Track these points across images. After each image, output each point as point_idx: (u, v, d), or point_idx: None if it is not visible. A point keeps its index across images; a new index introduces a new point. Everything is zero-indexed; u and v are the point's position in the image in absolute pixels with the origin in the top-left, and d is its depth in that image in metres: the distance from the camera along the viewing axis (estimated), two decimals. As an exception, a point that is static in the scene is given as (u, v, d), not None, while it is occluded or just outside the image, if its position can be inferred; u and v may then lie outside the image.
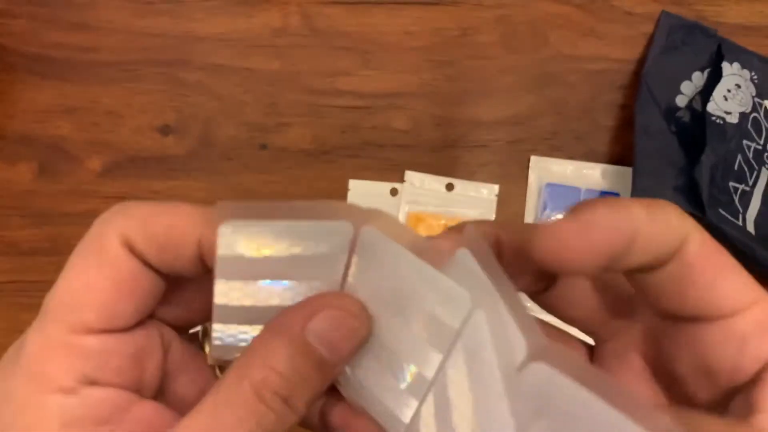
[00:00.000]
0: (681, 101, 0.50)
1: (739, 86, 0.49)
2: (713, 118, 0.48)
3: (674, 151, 0.49)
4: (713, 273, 0.17)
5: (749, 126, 0.49)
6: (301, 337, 0.18)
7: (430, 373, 0.18)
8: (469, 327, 0.17)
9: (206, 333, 0.21)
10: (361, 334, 0.18)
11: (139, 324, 0.19)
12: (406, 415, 0.19)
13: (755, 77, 0.50)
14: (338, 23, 0.52)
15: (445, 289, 0.17)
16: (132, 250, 0.18)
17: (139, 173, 0.52)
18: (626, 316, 0.20)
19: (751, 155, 0.49)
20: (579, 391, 0.15)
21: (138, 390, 0.19)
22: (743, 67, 0.50)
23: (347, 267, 0.20)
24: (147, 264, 0.18)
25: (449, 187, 0.51)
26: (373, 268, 0.19)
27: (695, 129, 0.48)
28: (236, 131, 0.52)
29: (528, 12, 0.51)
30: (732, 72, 0.49)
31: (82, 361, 0.17)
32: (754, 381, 0.17)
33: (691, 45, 0.50)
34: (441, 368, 0.18)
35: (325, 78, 0.52)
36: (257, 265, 0.19)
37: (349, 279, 0.20)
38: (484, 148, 0.51)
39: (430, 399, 0.18)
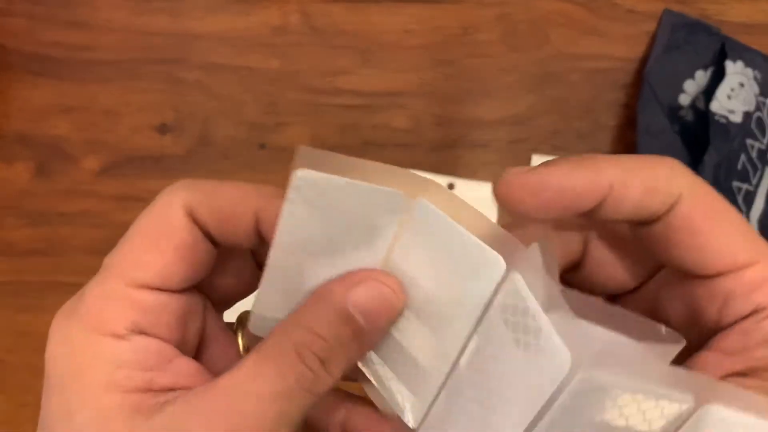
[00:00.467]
0: (684, 100, 0.49)
1: (742, 85, 0.49)
2: (716, 117, 0.47)
3: (677, 151, 0.48)
4: (708, 230, 0.18)
5: (753, 125, 0.49)
6: (342, 305, 0.19)
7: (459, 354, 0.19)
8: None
9: (242, 323, 0.23)
10: (398, 308, 0.20)
11: (189, 289, 0.21)
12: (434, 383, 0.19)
13: (759, 76, 0.50)
14: (338, 21, 0.51)
15: (501, 277, 0.18)
16: (195, 220, 0.20)
17: (137, 173, 0.51)
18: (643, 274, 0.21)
19: (754, 155, 0.48)
20: None
21: (180, 347, 0.20)
22: (747, 65, 0.49)
23: (395, 239, 0.20)
24: (206, 234, 0.20)
25: (450, 186, 0.50)
26: (423, 244, 0.19)
27: (698, 128, 0.48)
28: (235, 130, 0.52)
29: (529, 10, 0.51)
30: (735, 71, 0.49)
31: (136, 312, 0.19)
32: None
33: (694, 43, 0.50)
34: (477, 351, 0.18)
35: (325, 77, 0.51)
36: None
37: (396, 251, 0.20)
38: (485, 147, 0.51)
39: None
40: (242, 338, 0.22)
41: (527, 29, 0.51)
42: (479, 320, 0.18)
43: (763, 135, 0.49)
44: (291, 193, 0.19)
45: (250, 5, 0.52)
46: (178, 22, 0.52)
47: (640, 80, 0.50)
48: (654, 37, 0.50)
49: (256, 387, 0.18)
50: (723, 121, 0.47)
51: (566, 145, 0.51)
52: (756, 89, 0.49)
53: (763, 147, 0.49)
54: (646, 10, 0.51)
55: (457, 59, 0.51)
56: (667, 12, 0.50)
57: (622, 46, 0.51)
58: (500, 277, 0.18)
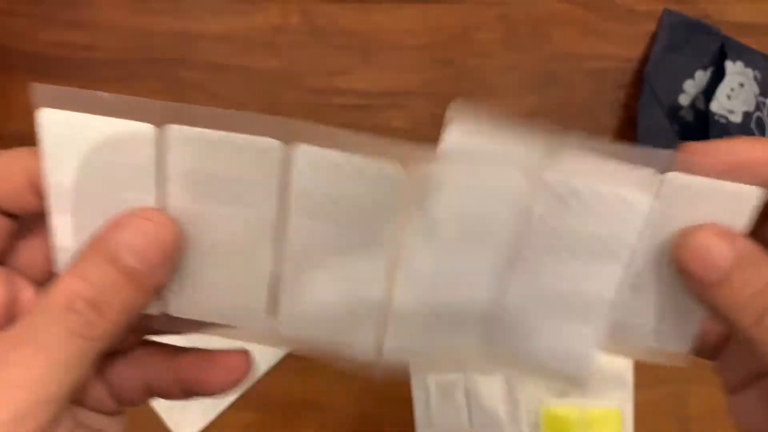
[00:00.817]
0: (684, 100, 0.49)
1: (742, 85, 0.49)
2: (716, 117, 0.47)
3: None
4: None
5: (752, 125, 0.49)
6: (108, 248, 0.19)
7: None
8: None
9: None
10: (168, 243, 0.19)
11: None
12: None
13: (758, 76, 0.50)
14: (338, 21, 0.52)
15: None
16: None
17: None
18: None
19: (754, 154, 0.48)
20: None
21: None
22: (747, 65, 0.50)
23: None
24: None
25: (450, 186, 0.50)
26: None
27: (698, 128, 0.48)
28: (235, 130, 0.52)
29: (530, 10, 0.51)
30: (735, 71, 0.49)
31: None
32: None
33: (694, 43, 0.50)
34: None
35: (325, 76, 0.52)
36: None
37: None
38: (485, 147, 0.51)
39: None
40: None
41: (528, 29, 0.51)
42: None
43: (763, 135, 0.49)
44: (40, 133, 0.20)
45: (250, 5, 0.52)
46: (178, 22, 0.52)
47: (640, 80, 0.50)
48: (654, 37, 0.50)
49: (26, 342, 0.18)
50: (723, 121, 0.47)
51: (566, 145, 0.51)
52: (756, 89, 0.50)
53: (763, 147, 0.49)
54: (647, 10, 0.51)
55: (458, 59, 0.51)
56: (667, 12, 0.50)
57: (622, 46, 0.51)
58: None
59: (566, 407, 0.50)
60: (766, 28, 0.51)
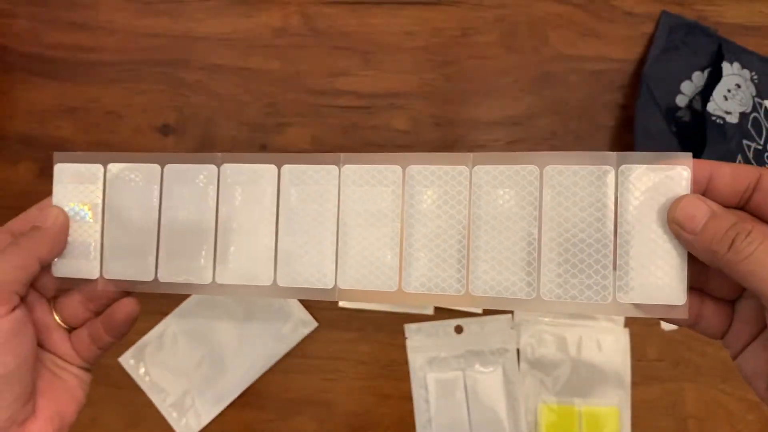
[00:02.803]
0: (681, 101, 0.50)
1: (739, 86, 0.49)
2: (713, 118, 0.48)
3: (674, 151, 0.49)
4: None
5: (749, 126, 0.49)
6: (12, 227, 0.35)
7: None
8: None
9: (55, 298, 0.35)
10: (53, 215, 0.34)
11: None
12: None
13: (755, 77, 0.50)
14: (338, 23, 0.52)
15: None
16: (11, 231, 0.34)
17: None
18: None
19: (751, 155, 0.49)
20: None
21: None
22: (743, 67, 0.50)
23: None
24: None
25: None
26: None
27: (695, 129, 0.48)
28: (236, 131, 0.52)
29: (528, 12, 0.51)
30: (732, 72, 0.49)
31: None
32: None
33: (692, 45, 0.50)
34: None
35: (325, 78, 0.52)
36: None
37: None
38: (483, 147, 0.51)
39: None
40: (54, 309, 0.35)
41: (526, 31, 0.51)
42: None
43: (760, 136, 0.49)
44: (55, 177, 0.35)
45: (251, 7, 0.52)
46: (179, 24, 0.52)
47: (637, 81, 0.50)
48: (652, 39, 0.51)
49: None
50: (720, 122, 0.48)
51: (564, 146, 0.51)
52: (753, 90, 0.50)
53: (760, 147, 0.49)
54: (644, 12, 0.51)
55: (457, 61, 0.51)
56: (664, 14, 0.51)
57: (620, 47, 0.51)
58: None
59: (564, 405, 0.50)
60: (762, 30, 0.51)
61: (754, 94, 0.50)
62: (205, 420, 0.52)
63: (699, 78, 0.50)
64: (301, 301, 0.52)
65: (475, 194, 0.30)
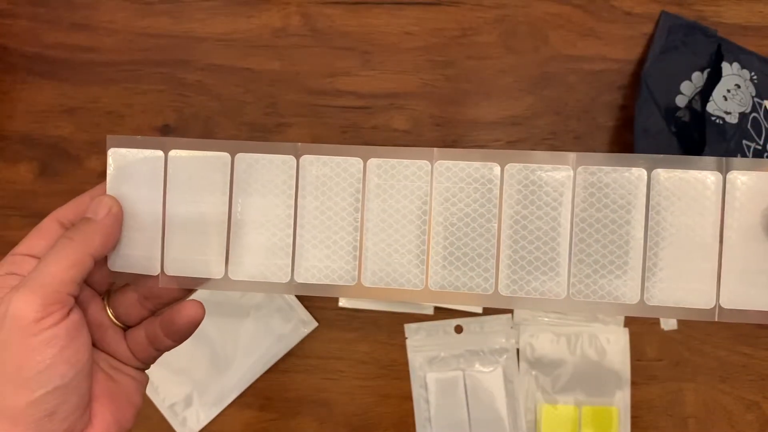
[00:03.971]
0: (681, 101, 0.50)
1: (738, 86, 0.49)
2: (713, 118, 0.48)
3: (674, 151, 0.49)
4: None
5: (749, 126, 0.49)
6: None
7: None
8: None
9: (108, 294, 0.34)
10: (107, 204, 0.31)
11: None
12: None
13: (755, 77, 0.50)
14: (338, 23, 0.52)
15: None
16: (61, 223, 0.32)
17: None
18: None
19: (750, 155, 0.49)
20: None
21: None
22: (743, 67, 0.50)
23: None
24: (72, 225, 0.32)
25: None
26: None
27: (695, 129, 0.48)
28: (236, 131, 0.52)
29: (527, 12, 0.51)
30: (732, 72, 0.49)
31: (9, 265, 0.30)
32: None
33: (691, 45, 0.50)
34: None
35: (325, 78, 0.52)
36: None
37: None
38: (483, 148, 0.51)
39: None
40: (108, 306, 0.33)
41: (526, 31, 0.51)
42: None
43: (760, 136, 0.49)
44: (108, 165, 0.33)
45: (251, 7, 0.52)
46: (179, 24, 0.52)
47: (637, 82, 0.50)
48: (651, 39, 0.51)
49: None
50: (719, 122, 0.48)
51: (564, 146, 0.51)
52: (752, 90, 0.50)
53: (760, 148, 0.49)
54: (644, 12, 0.51)
55: (457, 61, 0.51)
56: (664, 14, 0.51)
57: (619, 47, 0.51)
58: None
59: (564, 405, 0.50)
60: (762, 30, 0.51)
61: (753, 94, 0.50)
62: (205, 420, 0.52)
63: (698, 78, 0.50)
64: (301, 301, 0.52)
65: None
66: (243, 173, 0.32)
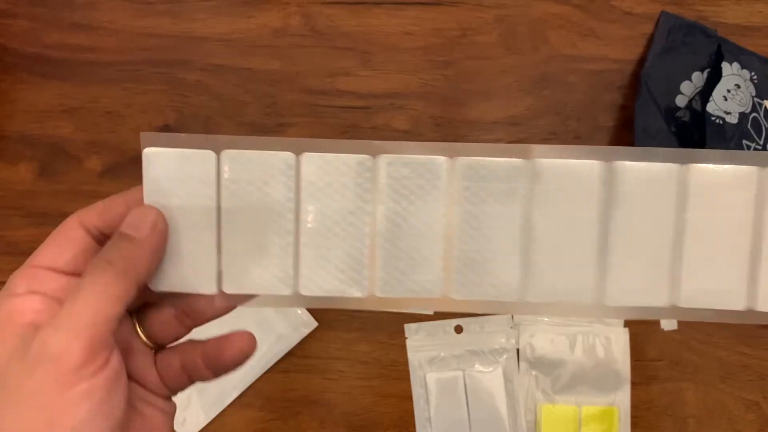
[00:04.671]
0: (681, 101, 0.50)
1: (738, 86, 0.49)
2: (713, 118, 0.48)
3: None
4: None
5: (749, 126, 0.49)
6: (118, 230, 0.27)
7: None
8: None
9: (137, 313, 0.29)
10: (152, 219, 0.27)
11: (79, 273, 0.26)
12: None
13: (755, 77, 0.50)
14: (338, 23, 0.52)
15: None
16: (86, 227, 0.27)
17: (139, 173, 0.51)
18: None
19: (750, 155, 0.49)
20: None
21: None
22: (743, 67, 0.50)
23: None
24: (99, 235, 0.27)
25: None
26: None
27: (695, 129, 0.48)
28: (236, 131, 0.52)
29: (527, 12, 0.51)
30: (732, 72, 0.49)
31: (29, 280, 0.26)
32: None
33: (691, 45, 0.50)
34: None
35: (325, 78, 0.52)
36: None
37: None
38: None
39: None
40: (138, 324, 0.29)
41: (525, 31, 0.51)
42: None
43: (760, 136, 0.49)
44: (144, 167, 0.28)
45: (251, 7, 0.52)
46: (179, 24, 0.52)
47: (637, 82, 0.50)
48: (651, 39, 0.51)
49: (79, 288, 0.25)
50: (719, 122, 0.48)
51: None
52: (752, 90, 0.50)
53: (760, 148, 0.49)
54: (644, 13, 0.51)
55: (456, 61, 0.51)
56: (664, 14, 0.51)
57: (619, 47, 0.51)
58: None
59: (564, 405, 0.50)
60: (762, 30, 0.51)
61: (753, 94, 0.50)
62: (205, 420, 0.52)
63: (698, 78, 0.50)
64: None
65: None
66: (312, 175, 0.27)
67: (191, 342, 0.29)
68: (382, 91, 0.52)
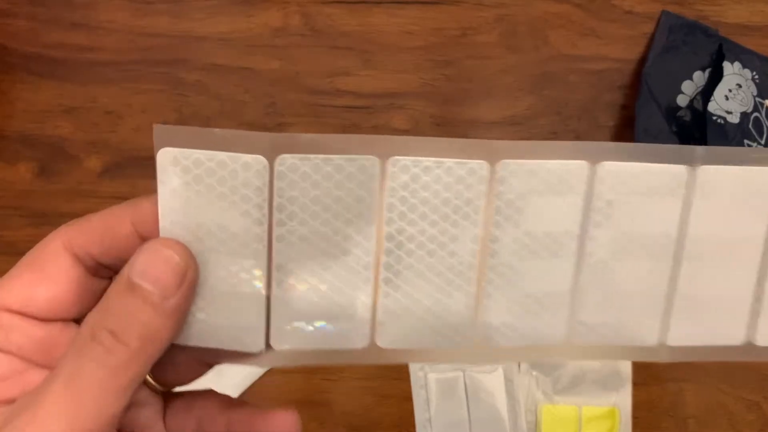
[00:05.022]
0: (682, 101, 0.50)
1: (740, 86, 0.49)
2: (714, 117, 0.48)
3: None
4: None
5: (750, 126, 0.49)
6: (125, 277, 0.19)
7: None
8: None
9: None
10: (182, 267, 0.19)
11: (64, 320, 0.20)
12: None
13: (756, 77, 0.50)
14: (338, 23, 0.52)
15: None
16: (74, 252, 0.20)
17: (139, 173, 0.52)
18: None
19: (751, 155, 0.49)
20: None
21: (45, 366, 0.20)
22: (744, 66, 0.50)
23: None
24: (93, 264, 0.20)
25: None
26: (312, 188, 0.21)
27: (696, 129, 0.48)
28: (236, 131, 0.52)
29: (528, 12, 0.51)
30: (733, 72, 0.49)
31: None
32: None
33: (692, 45, 0.50)
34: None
35: (325, 78, 0.52)
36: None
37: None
38: (484, 148, 0.51)
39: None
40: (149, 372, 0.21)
41: (526, 31, 0.51)
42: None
43: (761, 136, 0.49)
44: (160, 175, 0.19)
45: (250, 6, 0.52)
46: (179, 24, 0.52)
47: (638, 81, 0.50)
48: (652, 39, 0.51)
49: (57, 376, 0.18)
50: (720, 121, 0.48)
51: (565, 146, 0.51)
52: (754, 90, 0.50)
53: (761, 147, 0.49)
54: (645, 12, 0.51)
55: (457, 60, 0.51)
56: (665, 13, 0.51)
57: (620, 47, 0.51)
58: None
59: (565, 405, 0.50)
60: (763, 29, 0.51)
61: (755, 93, 0.50)
62: (205, 420, 0.52)
63: (700, 78, 0.50)
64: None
65: None
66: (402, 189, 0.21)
67: (213, 398, 0.23)
68: (382, 91, 0.52)
